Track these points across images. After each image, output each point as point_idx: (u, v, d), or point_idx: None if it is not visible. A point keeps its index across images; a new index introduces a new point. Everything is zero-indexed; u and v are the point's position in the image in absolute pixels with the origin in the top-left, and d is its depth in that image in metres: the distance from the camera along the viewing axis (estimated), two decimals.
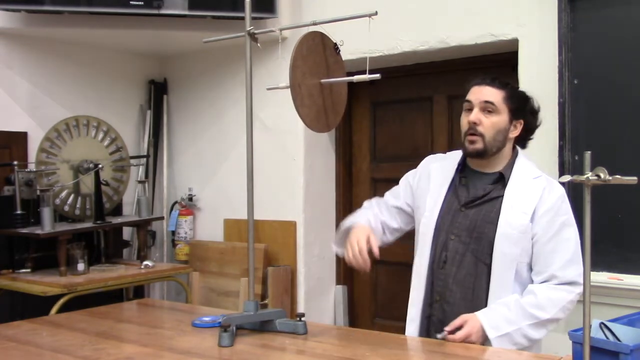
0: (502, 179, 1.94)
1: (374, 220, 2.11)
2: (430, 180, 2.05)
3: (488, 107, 1.89)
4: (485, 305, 1.87)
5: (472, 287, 1.89)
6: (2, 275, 3.22)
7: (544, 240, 1.86)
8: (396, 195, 2.15)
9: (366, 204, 2.22)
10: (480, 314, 1.81)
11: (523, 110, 1.95)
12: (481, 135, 1.89)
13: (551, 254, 1.85)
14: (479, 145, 1.89)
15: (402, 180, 2.17)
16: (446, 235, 1.95)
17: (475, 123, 1.90)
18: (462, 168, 2.01)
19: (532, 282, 1.89)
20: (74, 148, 3.46)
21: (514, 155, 1.98)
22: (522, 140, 2.02)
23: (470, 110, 1.93)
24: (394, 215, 2.13)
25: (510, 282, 1.85)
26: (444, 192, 1.99)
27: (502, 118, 1.90)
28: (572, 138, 2.80)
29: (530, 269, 1.89)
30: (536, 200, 1.87)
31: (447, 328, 1.81)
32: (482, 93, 1.91)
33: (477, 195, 1.94)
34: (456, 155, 2.05)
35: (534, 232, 1.86)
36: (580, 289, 1.83)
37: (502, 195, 1.90)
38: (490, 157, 1.93)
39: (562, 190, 1.90)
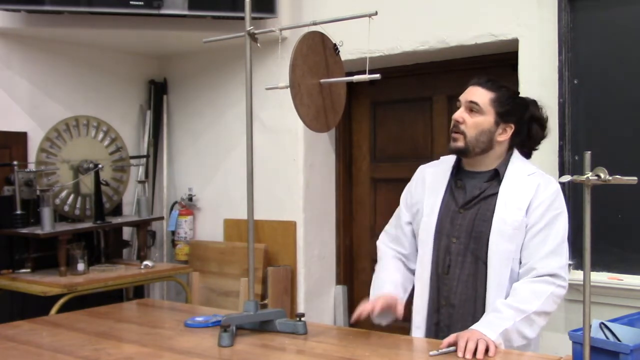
0: (497, 176, 1.94)
1: (401, 276, 2.04)
2: (425, 185, 2.05)
3: (472, 107, 1.91)
4: (485, 304, 1.86)
5: (475, 287, 1.89)
6: (2, 275, 3.22)
7: (533, 232, 1.86)
8: (401, 214, 2.11)
9: (380, 245, 2.14)
10: (473, 326, 1.77)
11: (515, 115, 1.94)
12: (463, 133, 1.91)
13: (537, 246, 1.85)
14: (460, 143, 1.91)
15: (401, 199, 2.15)
16: (448, 239, 1.94)
17: (458, 121, 1.92)
18: (457, 171, 2.02)
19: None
20: (74, 148, 3.46)
21: (509, 154, 1.98)
22: (523, 146, 2.01)
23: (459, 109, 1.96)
24: (408, 236, 2.08)
25: (505, 279, 1.85)
26: (441, 196, 1.99)
27: (486, 119, 1.90)
28: (572, 138, 2.80)
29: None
30: (531, 195, 1.87)
31: (441, 346, 1.73)
32: (471, 93, 1.93)
33: (473, 195, 1.94)
34: (450, 159, 2.06)
35: (526, 223, 1.86)
36: (561, 282, 1.83)
37: (497, 192, 1.91)
38: (474, 156, 1.93)
39: (557, 186, 1.91)
